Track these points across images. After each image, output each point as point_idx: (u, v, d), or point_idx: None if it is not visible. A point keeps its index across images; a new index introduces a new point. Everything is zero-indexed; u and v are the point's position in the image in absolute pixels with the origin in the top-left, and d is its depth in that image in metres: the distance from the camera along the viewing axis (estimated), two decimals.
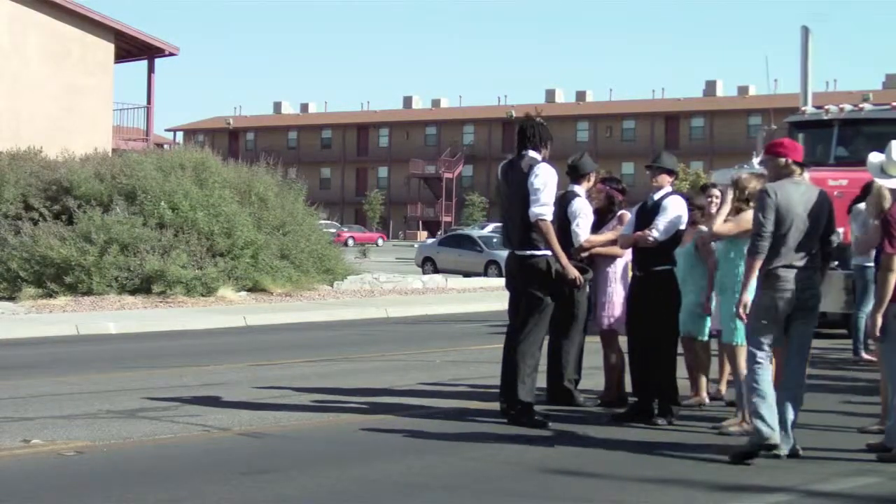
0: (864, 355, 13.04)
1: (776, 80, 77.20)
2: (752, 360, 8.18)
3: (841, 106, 18.41)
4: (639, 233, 9.63)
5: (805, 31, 19.09)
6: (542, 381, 10.08)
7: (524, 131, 9.62)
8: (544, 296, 9.47)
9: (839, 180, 16.08)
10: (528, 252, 9.50)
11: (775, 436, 7.91)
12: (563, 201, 10.31)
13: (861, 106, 18.65)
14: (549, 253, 9.43)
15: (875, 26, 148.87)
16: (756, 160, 18.26)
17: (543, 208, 9.36)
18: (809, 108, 18.74)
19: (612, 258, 10.49)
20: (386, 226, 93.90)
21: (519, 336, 9.55)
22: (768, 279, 8.13)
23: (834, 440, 8.61)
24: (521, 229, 9.51)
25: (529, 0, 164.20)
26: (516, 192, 9.52)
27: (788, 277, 8.11)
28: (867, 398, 10.31)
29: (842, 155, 17.85)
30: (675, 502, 7.07)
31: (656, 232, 9.52)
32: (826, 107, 18.51)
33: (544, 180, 9.37)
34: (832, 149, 17.78)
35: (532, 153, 9.56)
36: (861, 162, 16.88)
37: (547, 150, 9.66)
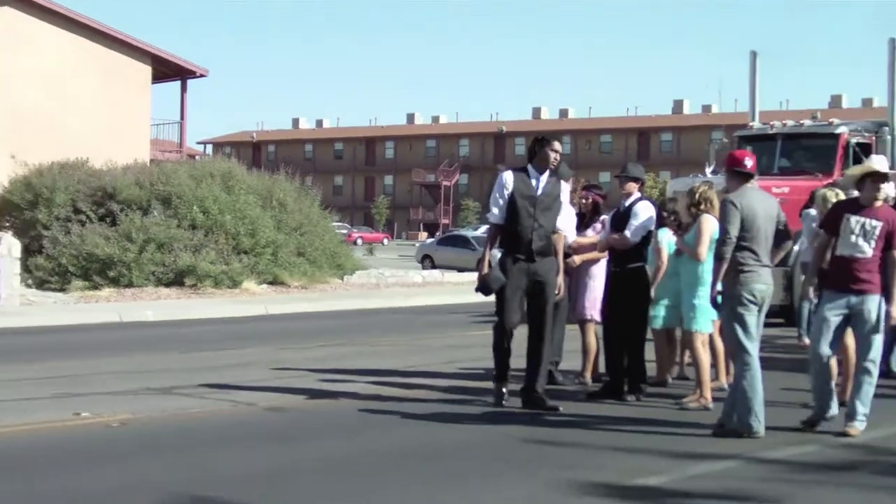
0: (805, 340, 13.11)
1: (736, 99, 77.13)
2: (747, 356, 8.00)
3: (784, 122, 18.64)
4: (613, 236, 9.80)
5: (753, 55, 19.34)
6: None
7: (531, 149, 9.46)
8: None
9: (782, 188, 16.18)
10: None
11: (762, 429, 8.00)
12: None
13: (802, 122, 18.79)
14: (497, 250, 9.32)
15: (822, 54, 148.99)
16: (709, 170, 18.41)
17: (489, 212, 9.39)
18: (756, 124, 18.95)
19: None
20: (391, 227, 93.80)
21: None
22: (747, 276, 8.00)
23: (778, 415, 8.70)
24: None
25: (519, 27, 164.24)
26: None
27: (764, 274, 8.07)
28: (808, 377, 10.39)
29: (784, 165, 17.99)
30: (642, 466, 7.14)
31: (629, 234, 9.67)
32: (772, 122, 18.73)
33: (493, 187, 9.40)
34: (776, 160, 17.93)
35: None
36: (801, 171, 17.14)
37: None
